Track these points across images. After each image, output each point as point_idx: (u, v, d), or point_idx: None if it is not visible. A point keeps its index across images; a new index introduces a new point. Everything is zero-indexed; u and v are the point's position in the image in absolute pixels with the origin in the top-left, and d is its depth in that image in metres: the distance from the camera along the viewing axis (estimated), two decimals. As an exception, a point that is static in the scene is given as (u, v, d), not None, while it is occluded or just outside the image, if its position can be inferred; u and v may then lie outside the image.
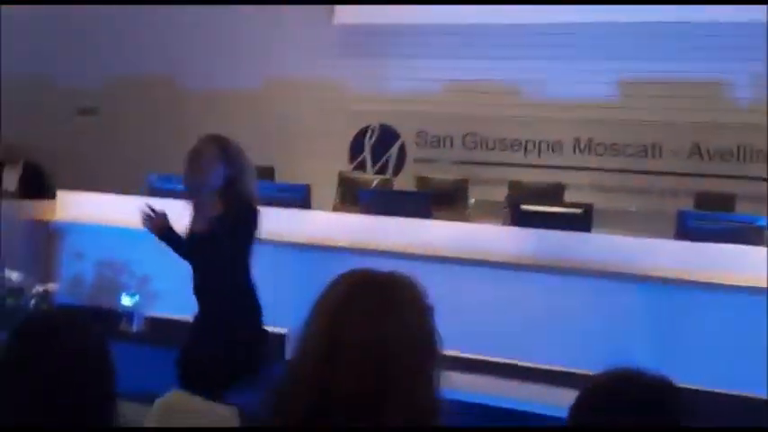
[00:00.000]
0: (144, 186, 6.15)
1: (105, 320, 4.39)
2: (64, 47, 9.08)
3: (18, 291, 5.34)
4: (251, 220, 3.28)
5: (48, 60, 9.12)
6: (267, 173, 7.50)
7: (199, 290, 3.33)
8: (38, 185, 7.31)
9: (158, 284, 5.33)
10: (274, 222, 5.19)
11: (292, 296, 4.96)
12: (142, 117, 9.06)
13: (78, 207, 6.09)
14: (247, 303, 3.30)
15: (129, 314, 5.29)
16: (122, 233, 5.37)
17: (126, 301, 5.33)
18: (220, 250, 3.24)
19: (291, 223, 5.33)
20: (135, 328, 5.19)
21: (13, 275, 5.37)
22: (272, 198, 5.78)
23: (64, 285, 5.71)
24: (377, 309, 1.19)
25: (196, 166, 3.27)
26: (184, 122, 8.79)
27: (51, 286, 5.49)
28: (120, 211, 5.58)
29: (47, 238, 6.09)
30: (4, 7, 7.94)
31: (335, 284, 1.25)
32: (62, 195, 6.24)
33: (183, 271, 3.40)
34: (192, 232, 3.34)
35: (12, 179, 7.46)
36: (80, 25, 9.01)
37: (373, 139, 8.36)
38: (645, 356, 3.16)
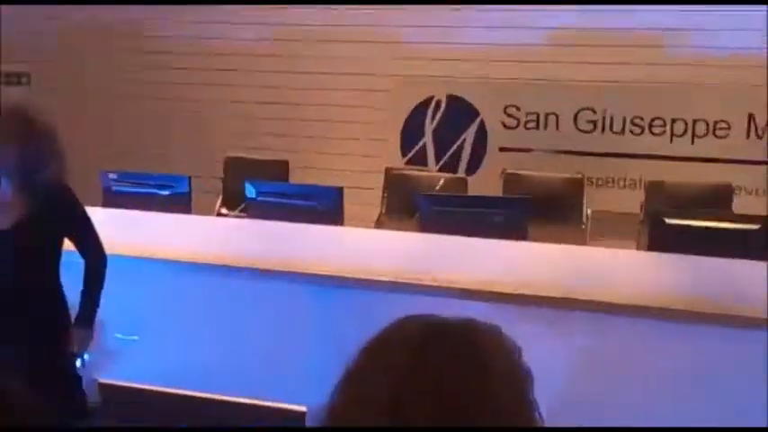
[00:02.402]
0: (102, 190, 6.27)
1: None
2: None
3: None
4: (58, 214, 3.97)
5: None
6: (277, 169, 7.56)
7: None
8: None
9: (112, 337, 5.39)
10: (286, 245, 5.22)
11: (314, 356, 4.97)
12: (98, 89, 9.22)
13: None
14: (55, 312, 4.05)
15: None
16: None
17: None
18: (23, 249, 3.92)
19: (313, 245, 5.52)
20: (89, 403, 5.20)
21: None
22: (283, 207, 5.80)
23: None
24: (452, 374, 1.25)
25: None
26: (159, 93, 8.94)
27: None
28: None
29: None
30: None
31: (391, 337, 1.33)
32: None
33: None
34: None
35: None
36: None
37: (437, 118, 8.33)
38: None
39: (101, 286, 4.24)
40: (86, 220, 4.17)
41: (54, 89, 9.13)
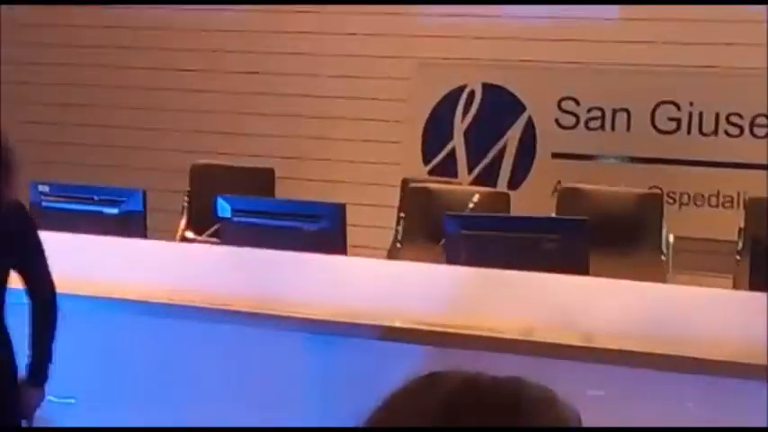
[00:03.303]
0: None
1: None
2: None
3: None
4: (9, 239, 4.23)
5: None
6: (258, 181, 7.57)
7: None
8: None
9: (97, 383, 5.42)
10: (271, 279, 5.23)
11: (305, 421, 4.99)
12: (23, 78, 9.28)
13: None
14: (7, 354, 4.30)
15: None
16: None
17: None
18: None
19: (307, 281, 5.51)
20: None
21: None
22: (266, 230, 5.81)
23: None
24: None
25: None
26: (100, 79, 9.00)
27: None
28: None
29: None
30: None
31: (410, 400, 1.35)
32: None
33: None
34: None
35: None
36: None
37: (470, 114, 8.36)
38: None
39: (53, 332, 4.35)
40: (40, 249, 4.31)
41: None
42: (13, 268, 4.31)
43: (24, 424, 4.38)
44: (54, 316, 4.35)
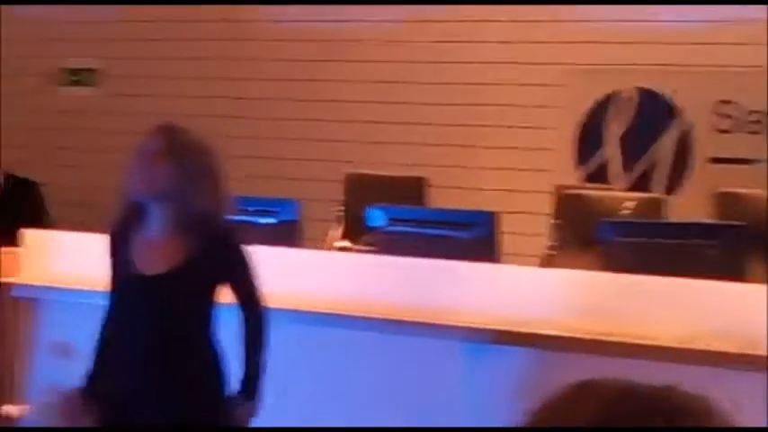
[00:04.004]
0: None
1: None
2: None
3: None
4: (221, 255, 4.34)
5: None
6: (411, 189, 7.62)
7: (143, 354, 4.33)
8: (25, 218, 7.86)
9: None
10: (427, 288, 5.26)
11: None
12: (173, 81, 9.50)
13: (63, 258, 6.39)
14: (209, 378, 4.40)
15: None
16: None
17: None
18: (175, 299, 4.32)
19: (462, 289, 5.55)
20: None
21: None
22: (420, 238, 5.84)
23: (36, 405, 5.96)
24: None
25: (136, 171, 4.32)
26: (251, 92, 9.16)
27: (13, 409, 5.78)
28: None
29: (5, 316, 6.43)
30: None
31: (566, 407, 1.34)
32: (35, 238, 6.59)
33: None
34: (139, 275, 4.35)
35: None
36: None
37: (625, 120, 8.29)
38: None
39: (262, 347, 4.44)
40: (246, 265, 4.40)
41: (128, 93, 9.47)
42: (222, 283, 4.39)
43: None
44: (262, 330, 4.43)
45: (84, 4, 9.83)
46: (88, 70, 9.98)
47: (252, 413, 4.46)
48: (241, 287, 4.42)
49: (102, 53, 9.91)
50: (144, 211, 4.37)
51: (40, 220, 7.70)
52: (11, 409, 5.76)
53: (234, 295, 4.45)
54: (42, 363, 6.29)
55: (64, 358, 6.00)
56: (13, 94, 9.84)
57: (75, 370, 5.14)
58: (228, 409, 4.41)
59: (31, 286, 6.38)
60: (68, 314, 6.05)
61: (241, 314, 4.43)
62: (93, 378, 4.54)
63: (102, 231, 4.75)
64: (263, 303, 4.45)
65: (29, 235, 6.62)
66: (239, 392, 4.43)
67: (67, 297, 6.12)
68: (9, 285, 6.40)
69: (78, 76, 10.02)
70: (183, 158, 4.29)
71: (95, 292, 5.14)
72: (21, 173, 8.36)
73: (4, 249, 6.58)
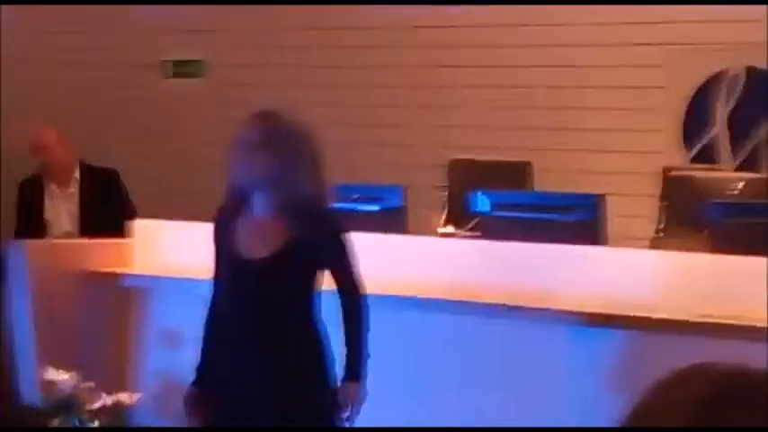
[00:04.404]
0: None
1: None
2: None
3: (67, 404, 5.77)
4: (322, 241, 4.44)
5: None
6: (516, 174, 7.59)
7: (249, 339, 4.44)
8: (110, 207, 7.96)
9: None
10: (536, 272, 5.26)
11: (574, 414, 5.00)
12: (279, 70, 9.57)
13: (172, 248, 6.51)
14: (313, 362, 4.50)
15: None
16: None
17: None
18: (279, 284, 4.43)
19: (571, 273, 5.58)
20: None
21: (60, 377, 5.78)
22: (526, 223, 5.83)
23: (151, 394, 6.10)
24: None
25: (237, 160, 4.45)
26: (355, 79, 9.21)
27: (128, 396, 5.88)
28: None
29: (116, 306, 6.57)
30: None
31: (677, 389, 1.35)
32: (144, 228, 6.73)
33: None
34: (243, 259, 4.46)
35: (68, 198, 8.25)
36: None
37: (733, 99, 8.18)
38: None
39: (362, 330, 4.53)
40: (346, 251, 4.50)
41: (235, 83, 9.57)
42: (322, 268, 4.51)
43: (345, 420, 4.56)
44: (362, 314, 4.52)
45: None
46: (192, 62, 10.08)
47: (359, 396, 4.54)
48: (341, 273, 4.51)
49: (205, 44, 10.02)
50: (247, 198, 4.45)
51: (121, 209, 7.78)
52: (123, 398, 5.85)
53: (333, 280, 4.54)
54: (152, 352, 6.40)
55: (174, 347, 6.11)
56: (116, 87, 9.99)
57: (185, 358, 5.26)
58: (335, 392, 4.50)
59: (141, 276, 6.51)
60: (178, 303, 6.15)
61: (341, 299, 4.52)
62: (204, 366, 4.62)
63: (208, 221, 4.84)
64: (362, 289, 4.54)
65: (138, 225, 6.74)
66: (344, 376, 4.52)
67: (177, 286, 6.23)
68: (119, 276, 6.53)
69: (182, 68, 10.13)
70: (283, 146, 4.38)
71: (204, 281, 5.27)
72: (123, 165, 8.47)
73: (113, 240, 6.71)
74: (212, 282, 4.69)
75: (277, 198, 4.40)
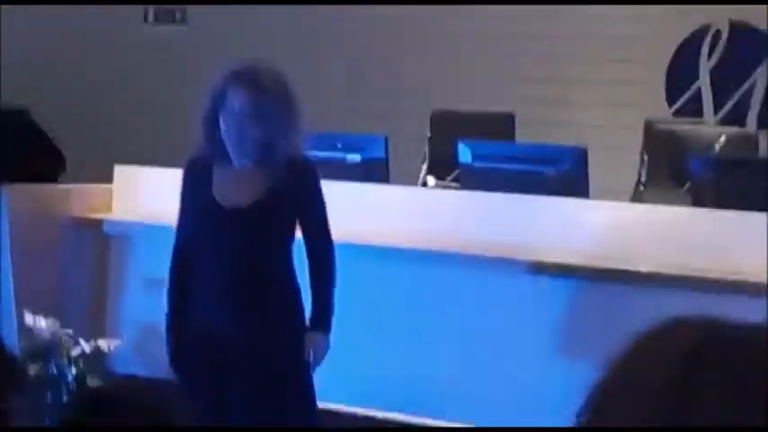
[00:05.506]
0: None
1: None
2: None
3: (46, 351, 5.77)
4: (298, 190, 4.48)
5: None
6: (498, 125, 7.59)
7: (228, 283, 4.48)
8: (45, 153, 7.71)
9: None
10: (516, 224, 5.27)
11: (552, 368, 5.02)
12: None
13: (153, 194, 6.50)
14: (290, 309, 4.55)
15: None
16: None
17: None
18: (260, 231, 4.46)
19: (551, 226, 5.59)
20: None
21: (39, 323, 5.76)
22: (507, 175, 5.83)
23: (130, 341, 6.12)
24: (741, 392, 1.26)
25: (226, 122, 4.42)
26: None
27: (106, 343, 5.89)
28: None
29: (95, 251, 6.60)
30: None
31: (656, 343, 1.35)
32: (124, 174, 6.74)
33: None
34: (224, 208, 4.48)
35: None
36: None
37: (716, 54, 8.19)
38: None
39: (331, 280, 4.56)
40: (321, 200, 4.53)
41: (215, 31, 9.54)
42: (300, 217, 4.54)
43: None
44: (332, 264, 4.55)
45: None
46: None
47: (325, 346, 4.56)
48: (314, 222, 4.54)
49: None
50: (224, 147, 4.47)
51: (38, 149, 7.57)
52: (102, 345, 5.87)
53: (302, 229, 4.57)
54: (133, 298, 6.41)
55: (153, 294, 6.12)
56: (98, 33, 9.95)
57: (164, 306, 5.28)
58: (305, 342, 4.52)
59: (123, 222, 6.50)
60: (158, 249, 6.15)
61: (310, 248, 4.53)
62: (174, 313, 4.68)
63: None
64: (330, 238, 4.56)
65: (119, 171, 6.73)
66: (312, 326, 4.54)
67: (158, 232, 6.22)
68: (100, 221, 6.53)
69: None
70: (269, 108, 4.41)
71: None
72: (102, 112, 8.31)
73: (94, 186, 6.68)
74: (177, 230, 4.68)
75: (258, 149, 4.42)
